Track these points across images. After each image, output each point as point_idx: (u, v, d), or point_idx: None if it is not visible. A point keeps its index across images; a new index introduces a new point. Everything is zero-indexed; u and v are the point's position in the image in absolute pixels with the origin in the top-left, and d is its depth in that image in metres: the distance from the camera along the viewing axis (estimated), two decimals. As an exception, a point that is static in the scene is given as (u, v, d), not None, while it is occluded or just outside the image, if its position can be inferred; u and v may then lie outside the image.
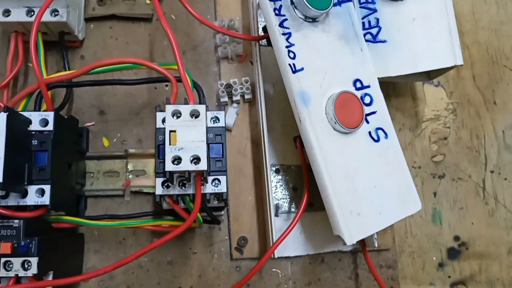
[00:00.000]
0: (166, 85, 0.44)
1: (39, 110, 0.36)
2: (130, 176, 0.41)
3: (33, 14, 0.39)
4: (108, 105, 0.43)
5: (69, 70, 0.42)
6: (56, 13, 0.39)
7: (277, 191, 0.42)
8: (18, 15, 0.39)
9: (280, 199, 0.42)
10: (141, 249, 0.33)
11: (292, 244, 0.40)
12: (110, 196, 0.41)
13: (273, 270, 0.42)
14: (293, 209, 0.42)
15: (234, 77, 0.44)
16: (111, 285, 0.40)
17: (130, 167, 0.41)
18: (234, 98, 0.43)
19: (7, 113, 0.30)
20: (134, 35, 0.45)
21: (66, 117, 0.37)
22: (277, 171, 0.42)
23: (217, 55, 0.45)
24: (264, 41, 0.40)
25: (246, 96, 0.43)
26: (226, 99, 0.43)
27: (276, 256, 0.37)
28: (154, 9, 0.45)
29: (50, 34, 0.41)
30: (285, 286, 0.41)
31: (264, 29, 0.40)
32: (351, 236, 0.34)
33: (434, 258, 0.44)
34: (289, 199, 0.42)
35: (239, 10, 0.46)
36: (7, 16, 0.39)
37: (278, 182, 0.42)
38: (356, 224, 0.34)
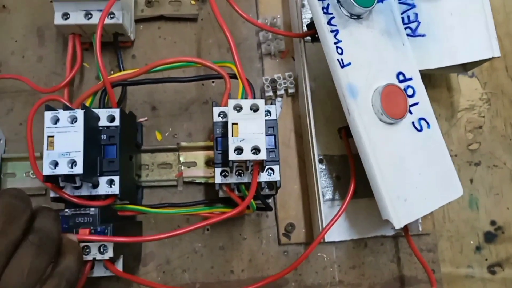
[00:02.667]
0: (213, 82, 0.46)
1: (103, 107, 0.38)
2: (182, 168, 0.44)
3: (91, 17, 0.41)
4: (159, 101, 0.46)
5: (123, 69, 0.44)
6: (112, 16, 0.41)
7: (321, 180, 0.44)
8: (77, 18, 0.41)
9: (324, 187, 0.44)
10: (200, 222, 0.35)
11: (337, 230, 0.43)
12: (164, 186, 0.44)
13: (319, 254, 0.44)
14: (336, 197, 0.44)
15: (277, 72, 0.46)
16: (168, 269, 0.43)
17: (182, 159, 0.44)
18: (278, 93, 0.46)
19: (84, 110, 0.33)
20: (181, 34, 0.47)
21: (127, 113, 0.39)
22: (320, 161, 0.45)
23: (260, 52, 0.47)
24: (308, 38, 0.42)
25: (290, 91, 0.45)
26: (270, 93, 0.45)
27: (326, 240, 0.39)
28: (199, 10, 0.48)
29: (104, 35, 0.44)
30: (331, 269, 0.44)
31: (308, 26, 0.42)
32: (399, 220, 0.36)
33: (471, 242, 0.46)
34: (332, 188, 0.44)
35: (280, 8, 0.48)
36: (66, 19, 0.41)
37: (322, 171, 0.45)
38: (403, 209, 0.36)
